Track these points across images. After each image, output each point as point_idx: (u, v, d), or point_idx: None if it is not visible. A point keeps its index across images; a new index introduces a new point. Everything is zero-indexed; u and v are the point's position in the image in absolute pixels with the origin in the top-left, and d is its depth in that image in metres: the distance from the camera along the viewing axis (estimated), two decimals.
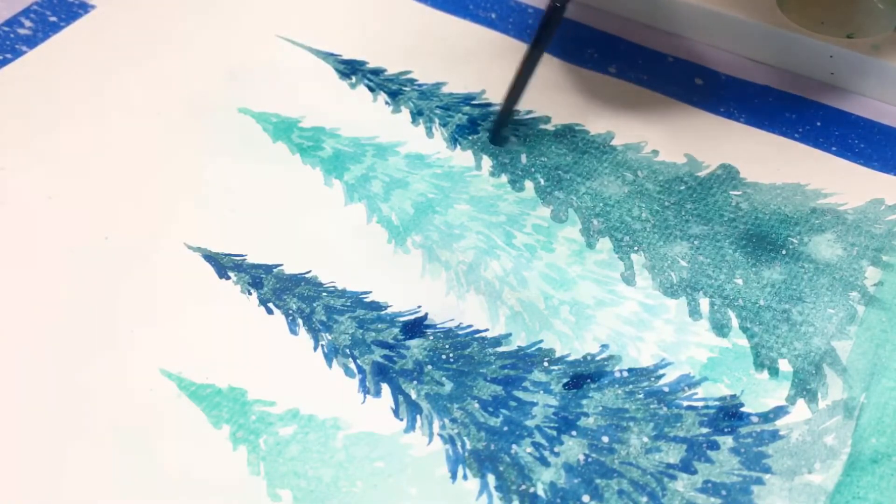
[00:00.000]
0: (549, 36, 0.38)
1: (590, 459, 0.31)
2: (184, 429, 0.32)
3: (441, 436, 0.32)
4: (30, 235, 0.38)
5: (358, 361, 0.34)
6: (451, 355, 0.34)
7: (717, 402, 0.32)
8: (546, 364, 0.33)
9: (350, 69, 0.45)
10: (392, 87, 0.44)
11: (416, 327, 0.35)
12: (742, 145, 0.41)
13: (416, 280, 0.36)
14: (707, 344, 0.34)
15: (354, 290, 0.36)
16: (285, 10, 0.48)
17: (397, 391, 0.33)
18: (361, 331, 0.35)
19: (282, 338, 0.34)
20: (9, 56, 0.46)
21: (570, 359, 0.34)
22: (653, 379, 0.33)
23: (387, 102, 0.43)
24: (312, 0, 0.49)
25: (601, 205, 0.39)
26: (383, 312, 0.35)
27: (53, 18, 0.48)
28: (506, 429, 0.32)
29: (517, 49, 0.46)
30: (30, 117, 0.43)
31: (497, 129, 0.41)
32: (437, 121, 0.42)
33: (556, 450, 0.31)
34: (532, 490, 0.30)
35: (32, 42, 0.46)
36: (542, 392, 0.33)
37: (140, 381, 0.33)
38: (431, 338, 0.34)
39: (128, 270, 0.37)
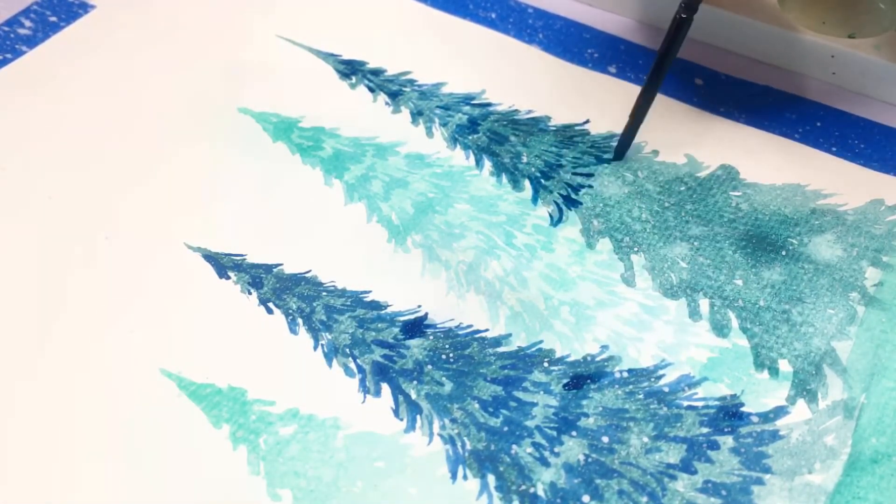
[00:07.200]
0: (676, 50, 0.38)
1: (590, 460, 0.31)
2: (184, 428, 0.32)
3: (441, 436, 0.32)
4: (30, 235, 0.38)
5: (358, 361, 0.34)
6: (451, 355, 0.34)
7: (717, 402, 0.32)
8: (546, 364, 0.33)
9: (350, 69, 0.45)
10: (392, 88, 0.44)
11: (416, 327, 0.35)
12: (742, 146, 0.41)
13: (417, 279, 0.36)
14: (707, 344, 0.34)
15: (354, 289, 0.36)
16: (285, 10, 0.48)
17: (397, 391, 0.33)
18: (361, 330, 0.35)
19: (282, 337, 0.34)
20: (9, 56, 0.46)
21: (570, 359, 0.34)
22: (653, 379, 0.33)
23: (387, 103, 0.43)
24: (312, 0, 0.49)
25: (601, 205, 0.39)
26: (383, 312, 0.35)
27: (53, 18, 0.48)
28: (506, 429, 0.32)
29: (517, 49, 0.46)
30: (30, 117, 0.43)
31: (623, 149, 0.40)
32: (437, 121, 0.42)
33: (556, 450, 0.31)
34: (532, 490, 0.30)
35: (32, 42, 0.46)
36: (542, 392, 0.33)
37: (140, 381, 0.33)
38: (431, 338, 0.34)
39: (128, 270, 0.37)
